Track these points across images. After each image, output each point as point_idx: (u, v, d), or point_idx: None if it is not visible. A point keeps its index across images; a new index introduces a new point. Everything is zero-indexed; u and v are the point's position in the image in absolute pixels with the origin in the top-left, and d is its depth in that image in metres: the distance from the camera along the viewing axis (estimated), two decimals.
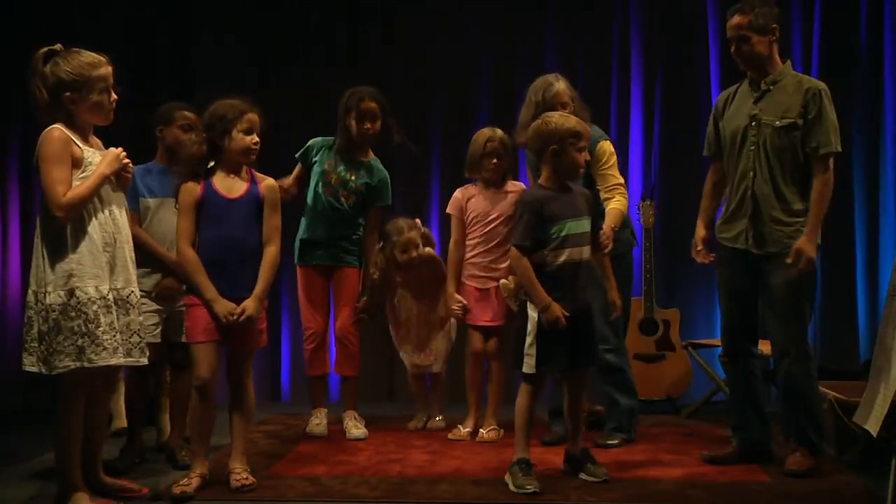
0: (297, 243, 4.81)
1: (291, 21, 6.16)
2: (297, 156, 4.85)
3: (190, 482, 3.68)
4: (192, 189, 3.75)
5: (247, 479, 3.74)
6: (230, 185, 3.78)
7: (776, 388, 4.71)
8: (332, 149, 4.76)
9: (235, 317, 3.68)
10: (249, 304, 3.72)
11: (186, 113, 4.24)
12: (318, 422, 4.79)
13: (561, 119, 3.80)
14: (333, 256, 4.75)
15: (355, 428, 4.74)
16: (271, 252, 3.81)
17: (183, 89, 6.05)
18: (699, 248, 4.24)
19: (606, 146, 4.45)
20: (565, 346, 3.75)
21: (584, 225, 3.80)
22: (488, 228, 4.72)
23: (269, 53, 6.18)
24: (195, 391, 3.77)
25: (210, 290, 3.68)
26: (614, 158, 4.46)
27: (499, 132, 4.77)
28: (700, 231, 4.25)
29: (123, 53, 6.02)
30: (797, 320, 3.94)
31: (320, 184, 4.72)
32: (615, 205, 4.33)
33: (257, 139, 3.80)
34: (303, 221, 4.82)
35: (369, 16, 6.17)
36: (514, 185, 4.80)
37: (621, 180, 4.44)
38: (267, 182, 3.87)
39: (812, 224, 3.88)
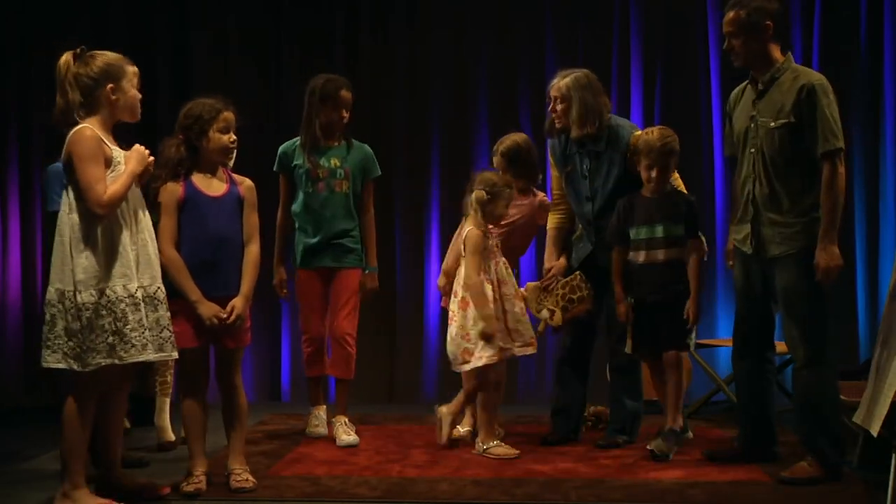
0: (297, 247, 4.74)
1: (291, 21, 6.17)
2: (275, 169, 4.74)
3: (200, 480, 3.71)
4: (174, 189, 3.73)
5: (247, 480, 3.75)
6: (211, 185, 3.78)
7: (778, 388, 4.72)
8: (304, 146, 4.66)
9: (224, 318, 3.68)
10: (238, 303, 3.72)
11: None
12: (318, 422, 4.77)
13: (643, 135, 4.30)
14: (335, 258, 4.68)
15: (345, 434, 4.61)
16: (253, 251, 3.81)
17: (182, 89, 6.06)
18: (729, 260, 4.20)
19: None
20: (650, 332, 4.30)
21: (660, 230, 4.24)
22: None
23: (269, 54, 6.19)
24: (187, 394, 3.79)
25: (195, 292, 3.67)
26: None
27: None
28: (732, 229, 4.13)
29: (122, 51, 6.08)
30: (805, 325, 3.82)
31: (309, 183, 4.64)
32: None
33: (234, 137, 3.80)
34: (298, 229, 4.72)
35: (369, 15, 6.17)
36: (536, 195, 4.70)
37: None
38: (247, 183, 3.87)
39: (824, 229, 3.75)
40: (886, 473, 3.45)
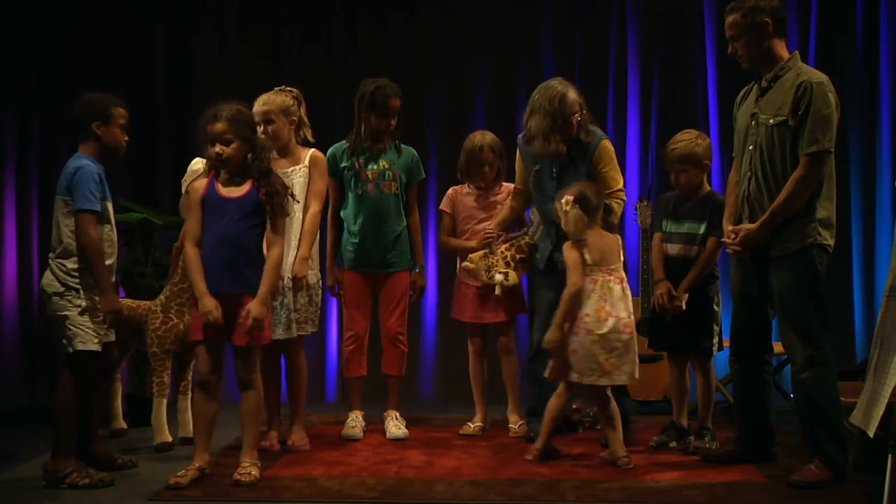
0: (345, 248, 4.75)
1: (290, 19, 6.17)
2: None
3: (185, 474, 3.77)
4: (198, 187, 3.86)
5: (248, 473, 3.78)
6: (231, 185, 3.85)
7: (775, 389, 4.72)
8: (352, 148, 4.69)
9: (213, 317, 3.72)
10: (253, 307, 3.76)
11: (123, 110, 3.97)
12: (354, 424, 4.78)
13: (669, 146, 4.43)
14: (385, 263, 4.72)
15: (396, 428, 4.75)
16: (272, 255, 3.85)
17: (182, 89, 6.08)
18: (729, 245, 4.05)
19: (604, 146, 4.41)
20: (664, 327, 4.47)
21: (681, 227, 4.43)
22: (477, 229, 4.76)
23: (269, 51, 6.19)
24: (196, 387, 3.87)
25: (198, 287, 3.76)
26: (614, 159, 4.44)
27: (489, 138, 4.80)
28: (726, 227, 4.04)
29: (123, 48, 6.09)
30: (803, 326, 3.80)
31: (359, 185, 4.68)
32: None
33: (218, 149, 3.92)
34: (346, 231, 4.74)
35: (368, 14, 6.18)
36: (506, 187, 4.82)
37: (621, 184, 4.45)
38: (273, 188, 3.90)
39: (767, 216, 3.78)
40: (883, 474, 3.45)
